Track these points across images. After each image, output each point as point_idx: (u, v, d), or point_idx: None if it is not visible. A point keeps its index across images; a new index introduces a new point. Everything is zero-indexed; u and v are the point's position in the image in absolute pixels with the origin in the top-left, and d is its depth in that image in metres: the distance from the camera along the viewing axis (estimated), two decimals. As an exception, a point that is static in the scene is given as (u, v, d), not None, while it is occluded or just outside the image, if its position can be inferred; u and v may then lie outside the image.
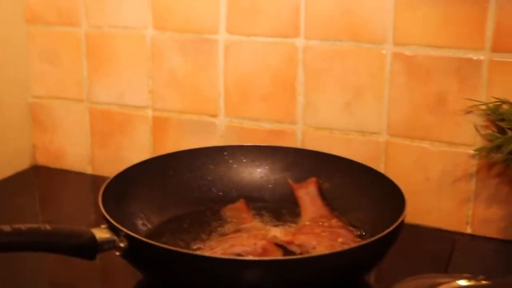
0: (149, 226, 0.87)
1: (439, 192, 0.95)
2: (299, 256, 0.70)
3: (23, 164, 1.20)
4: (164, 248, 0.68)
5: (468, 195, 0.94)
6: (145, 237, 0.82)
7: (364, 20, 0.94)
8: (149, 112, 1.10)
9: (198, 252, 0.74)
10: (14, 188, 1.13)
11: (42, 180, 1.21)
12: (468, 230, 0.95)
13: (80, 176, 1.18)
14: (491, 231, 0.93)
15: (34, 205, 1.09)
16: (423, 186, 0.95)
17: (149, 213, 0.89)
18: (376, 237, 0.70)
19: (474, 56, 0.89)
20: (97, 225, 0.73)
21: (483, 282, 0.67)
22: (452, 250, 0.90)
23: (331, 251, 0.68)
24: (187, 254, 0.69)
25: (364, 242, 0.69)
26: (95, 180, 1.15)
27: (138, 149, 1.12)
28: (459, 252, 0.90)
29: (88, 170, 1.18)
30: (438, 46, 0.91)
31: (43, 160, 1.21)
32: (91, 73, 1.13)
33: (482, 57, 0.89)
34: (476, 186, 0.93)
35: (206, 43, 1.03)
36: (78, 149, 1.18)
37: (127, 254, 0.71)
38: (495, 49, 0.88)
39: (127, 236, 0.70)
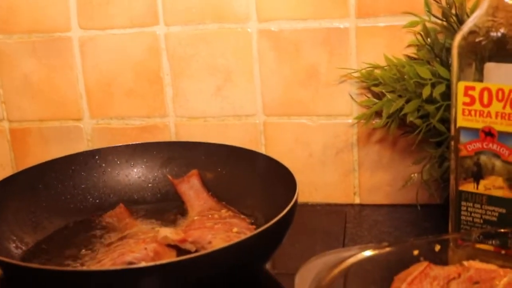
0: (23, 248, 0.79)
1: (323, 167, 0.93)
2: (197, 254, 0.65)
3: None
4: (49, 270, 0.61)
5: (352, 165, 0.93)
6: (21, 261, 0.75)
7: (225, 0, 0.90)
8: (5, 125, 1.00)
9: (85, 268, 0.67)
10: None
11: None
12: (357, 201, 0.94)
13: None
14: (378, 198, 0.93)
15: None
16: (306, 162, 0.93)
17: (22, 234, 0.80)
18: (273, 220, 0.67)
19: (340, 24, 0.88)
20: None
21: (387, 248, 0.66)
22: (345, 222, 0.89)
23: (228, 243, 0.64)
24: (77, 272, 0.62)
25: (261, 228, 0.65)
26: None
27: (-3, 167, 1.02)
28: (351, 224, 0.88)
29: None
30: (303, 18, 0.89)
31: None
32: None
33: (348, 25, 0.88)
34: (358, 155, 0.92)
35: (59, 42, 0.95)
36: None
37: (3, 284, 0.63)
38: (360, 15, 0.87)
39: (2, 263, 0.62)
